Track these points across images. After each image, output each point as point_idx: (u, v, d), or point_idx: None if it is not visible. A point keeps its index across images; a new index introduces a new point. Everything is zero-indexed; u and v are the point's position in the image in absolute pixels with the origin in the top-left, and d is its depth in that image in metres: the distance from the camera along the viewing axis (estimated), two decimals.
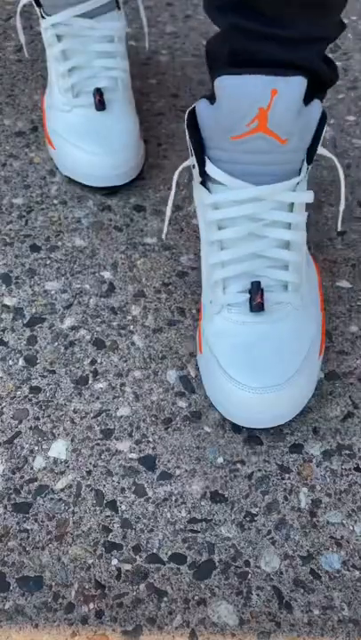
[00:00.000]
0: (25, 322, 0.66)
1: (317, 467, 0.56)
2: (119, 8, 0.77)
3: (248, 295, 0.57)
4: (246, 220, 0.57)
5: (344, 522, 0.53)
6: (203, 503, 0.54)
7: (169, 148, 0.85)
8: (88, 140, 0.75)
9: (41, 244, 0.73)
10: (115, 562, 0.51)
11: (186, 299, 0.68)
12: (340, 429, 0.59)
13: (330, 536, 0.52)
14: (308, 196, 0.58)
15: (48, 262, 0.71)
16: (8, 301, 0.68)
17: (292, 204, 0.57)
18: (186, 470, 0.56)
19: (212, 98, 0.54)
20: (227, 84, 0.51)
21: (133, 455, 0.56)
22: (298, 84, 0.51)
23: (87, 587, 0.50)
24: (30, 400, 0.60)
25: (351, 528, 0.53)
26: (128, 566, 0.51)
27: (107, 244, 0.73)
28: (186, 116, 0.57)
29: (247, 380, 0.55)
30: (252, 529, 0.53)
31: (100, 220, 0.74)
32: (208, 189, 0.57)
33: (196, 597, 0.49)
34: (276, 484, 0.55)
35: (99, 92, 0.75)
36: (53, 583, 0.50)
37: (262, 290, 0.57)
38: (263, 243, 0.57)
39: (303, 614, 0.49)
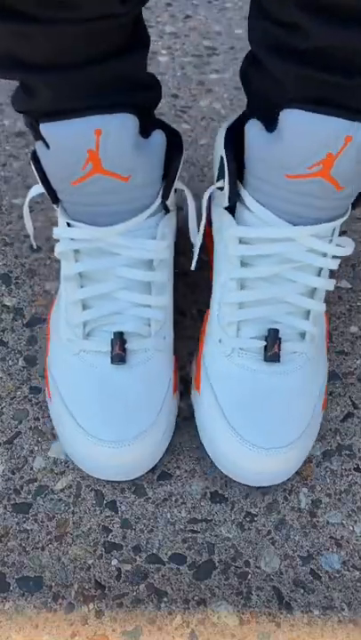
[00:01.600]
0: (25, 322, 0.66)
1: (317, 467, 0.56)
2: (157, 225, 0.55)
3: (264, 343, 0.53)
4: (275, 260, 0.52)
5: (344, 522, 0.53)
6: (203, 503, 0.54)
7: None
8: (93, 410, 0.53)
9: (41, 244, 0.73)
10: (115, 562, 0.51)
11: (186, 299, 0.68)
12: (340, 429, 0.59)
13: (330, 536, 0.52)
14: (346, 249, 0.53)
15: (48, 262, 0.71)
16: (8, 301, 0.68)
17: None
18: (186, 470, 0.56)
19: (268, 124, 0.49)
20: (298, 119, 0.46)
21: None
22: None
23: (87, 587, 0.50)
24: (30, 400, 0.60)
25: (351, 528, 0.53)
26: (128, 566, 0.51)
27: None
28: (226, 131, 0.54)
29: (254, 437, 0.51)
30: (252, 529, 0.53)
31: None
32: (235, 218, 0.53)
33: (196, 597, 0.49)
34: (277, 484, 0.55)
35: (120, 339, 0.54)
36: (53, 583, 0.50)
37: (280, 339, 0.53)
38: (289, 287, 0.53)
39: (303, 614, 0.49)
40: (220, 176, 0.56)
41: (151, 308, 0.55)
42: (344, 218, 0.52)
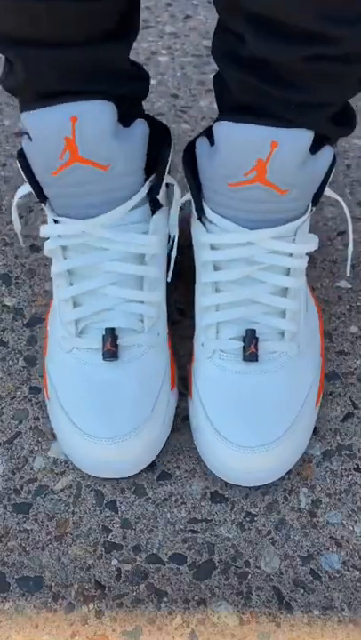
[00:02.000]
0: (25, 322, 0.66)
1: (317, 467, 0.56)
2: (154, 210, 0.55)
3: (242, 343, 0.54)
4: (243, 263, 0.54)
5: (344, 522, 0.53)
6: (203, 503, 0.54)
7: None
8: (86, 408, 0.53)
9: (41, 244, 0.73)
10: (115, 562, 0.51)
11: (186, 299, 0.68)
12: (340, 429, 0.59)
13: (330, 536, 0.52)
14: (309, 246, 0.55)
15: (48, 262, 0.71)
16: (8, 301, 0.68)
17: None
18: (186, 470, 0.56)
19: (211, 137, 0.51)
20: (226, 131, 0.49)
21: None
22: (302, 137, 0.48)
23: (87, 587, 0.50)
24: (30, 400, 0.60)
25: (351, 528, 0.53)
26: (128, 566, 0.51)
27: None
28: (183, 152, 0.55)
29: (235, 438, 0.51)
30: (252, 529, 0.53)
31: None
32: (205, 227, 0.55)
33: (196, 597, 0.49)
34: (276, 485, 0.55)
35: (111, 336, 0.54)
36: (53, 583, 0.50)
37: (257, 339, 0.54)
38: (259, 288, 0.54)
39: (303, 614, 0.49)
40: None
41: (144, 303, 0.55)
42: (304, 217, 0.54)
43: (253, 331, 0.54)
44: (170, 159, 0.56)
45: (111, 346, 0.54)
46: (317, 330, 0.61)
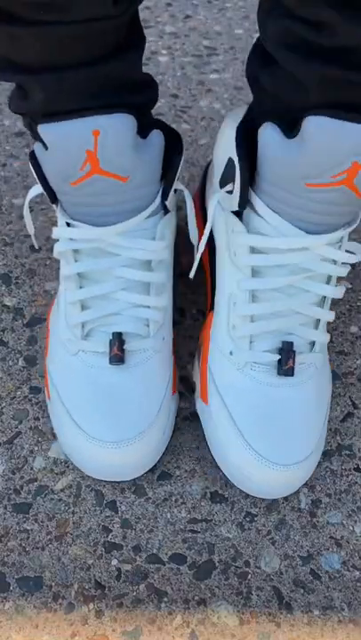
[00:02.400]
0: (25, 322, 0.66)
1: (317, 467, 0.56)
2: (155, 226, 0.55)
3: (277, 356, 0.52)
4: (289, 271, 0.51)
5: (344, 522, 0.53)
6: (203, 503, 0.54)
7: None
8: (91, 411, 0.53)
9: (41, 244, 0.73)
10: (115, 562, 0.51)
11: (186, 299, 0.68)
12: (340, 429, 0.59)
13: (330, 536, 0.52)
14: (358, 255, 0.52)
15: (48, 262, 0.71)
16: (8, 301, 0.68)
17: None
18: (186, 470, 0.56)
19: (287, 129, 0.47)
20: (325, 127, 0.44)
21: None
22: None
23: (87, 587, 0.50)
24: (30, 400, 0.60)
25: (351, 528, 0.53)
26: (128, 566, 0.51)
27: None
28: (236, 132, 0.51)
29: (271, 454, 0.50)
30: (252, 529, 0.53)
31: None
32: (246, 225, 0.52)
33: (196, 597, 0.49)
34: None
35: (118, 340, 0.54)
36: (53, 583, 0.50)
37: (294, 352, 0.52)
38: (303, 298, 0.52)
39: (303, 614, 0.49)
40: (228, 178, 0.54)
41: (150, 308, 0.55)
42: (356, 224, 0.51)
43: (291, 344, 0.52)
44: (180, 165, 0.55)
45: (118, 350, 0.53)
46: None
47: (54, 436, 0.57)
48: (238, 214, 0.53)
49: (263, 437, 0.51)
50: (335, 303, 0.68)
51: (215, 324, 0.57)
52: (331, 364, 0.63)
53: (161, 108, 0.91)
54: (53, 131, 0.47)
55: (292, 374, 0.52)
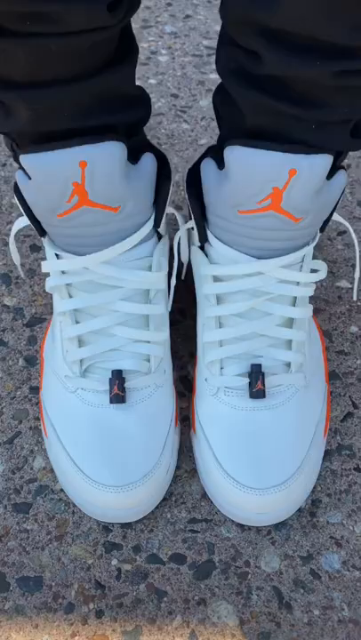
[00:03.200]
0: (25, 322, 0.66)
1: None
2: (159, 239, 0.54)
3: (247, 379, 0.52)
4: (248, 295, 0.52)
5: (344, 522, 0.53)
6: (203, 503, 0.54)
7: (169, 148, 0.85)
8: (92, 452, 0.51)
9: (41, 244, 0.73)
10: (115, 562, 0.51)
11: (186, 299, 0.68)
12: (340, 429, 0.59)
13: (330, 536, 0.52)
14: (319, 274, 0.53)
15: None
16: (8, 301, 0.68)
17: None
18: (186, 470, 0.56)
19: (219, 161, 0.48)
20: (240, 157, 0.45)
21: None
22: (321, 163, 0.45)
23: (87, 587, 0.50)
24: (30, 400, 0.60)
25: (351, 528, 0.53)
26: (128, 566, 0.51)
27: None
28: (187, 174, 0.52)
29: (246, 479, 0.50)
30: (252, 529, 0.53)
31: None
32: (208, 256, 0.53)
33: (196, 597, 0.49)
34: None
35: (118, 378, 0.52)
36: (53, 583, 0.50)
37: (263, 374, 0.52)
38: (266, 320, 0.52)
39: (303, 614, 0.49)
40: (189, 216, 0.55)
41: (150, 343, 0.54)
42: (313, 244, 0.52)
43: (259, 366, 0.52)
44: (170, 191, 0.54)
45: (119, 389, 0.52)
46: (321, 356, 0.59)
47: None
48: (203, 248, 0.54)
49: (238, 464, 0.50)
50: (335, 303, 0.68)
51: (198, 354, 0.57)
52: (331, 363, 0.63)
53: (161, 108, 0.91)
54: (37, 162, 0.44)
55: (264, 396, 0.52)
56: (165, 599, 0.49)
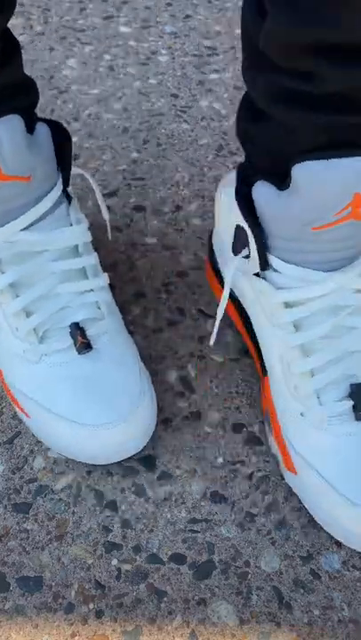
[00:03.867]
0: None
1: None
2: (68, 213, 0.56)
3: (350, 402, 0.50)
4: (327, 313, 0.50)
5: None
6: (203, 503, 0.54)
7: (169, 148, 0.85)
8: (77, 404, 0.53)
9: None
10: (115, 562, 0.51)
11: (186, 299, 0.68)
12: None
13: (330, 536, 0.52)
14: None
15: None
16: None
17: None
18: (186, 470, 0.56)
19: (278, 181, 0.47)
20: (314, 171, 0.44)
21: (133, 455, 0.56)
22: None
23: (87, 587, 0.50)
24: None
25: None
26: (128, 566, 0.51)
27: (106, 244, 0.73)
28: (236, 201, 0.51)
29: None
30: (252, 529, 0.53)
31: (99, 220, 0.75)
32: (271, 282, 0.51)
33: (196, 597, 0.49)
34: (277, 484, 0.55)
35: (79, 329, 0.54)
36: (53, 583, 0.50)
37: None
38: (354, 335, 0.50)
39: (303, 614, 0.49)
40: (238, 244, 0.53)
41: (94, 291, 0.56)
42: None
43: (360, 385, 0.50)
44: (72, 151, 0.56)
45: (83, 338, 0.54)
46: None
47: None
48: (258, 275, 0.52)
49: (359, 488, 0.49)
50: None
51: (274, 390, 0.54)
52: None
53: (161, 108, 0.91)
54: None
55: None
56: (165, 599, 0.49)
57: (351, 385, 0.50)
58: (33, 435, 0.58)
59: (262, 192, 0.48)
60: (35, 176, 0.51)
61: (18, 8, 0.79)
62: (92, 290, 0.56)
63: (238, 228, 0.52)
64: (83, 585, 0.50)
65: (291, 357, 0.52)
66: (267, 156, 0.50)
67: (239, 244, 0.53)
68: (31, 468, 0.56)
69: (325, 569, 0.51)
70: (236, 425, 0.58)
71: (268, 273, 0.51)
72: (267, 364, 0.55)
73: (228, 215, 0.55)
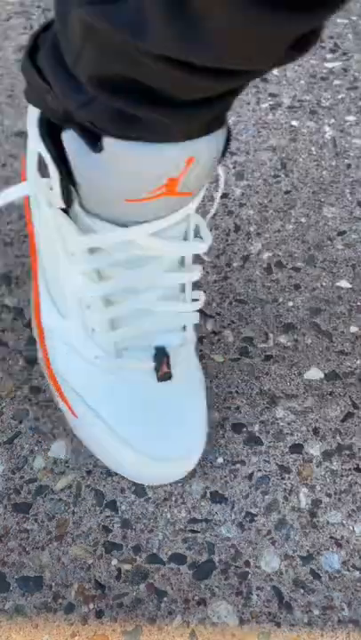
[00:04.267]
0: (25, 322, 0.66)
1: (317, 467, 0.56)
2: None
3: (152, 364, 0.52)
4: (127, 266, 0.48)
5: (344, 522, 0.53)
6: (203, 503, 0.54)
7: None
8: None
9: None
10: (115, 562, 0.51)
11: None
12: (340, 429, 0.59)
13: (330, 536, 0.52)
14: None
15: None
16: (8, 301, 0.68)
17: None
18: (185, 470, 0.56)
19: (89, 140, 0.41)
20: (125, 152, 0.40)
21: None
22: (220, 142, 0.42)
23: (87, 587, 0.50)
24: (30, 400, 0.60)
25: (351, 528, 0.53)
26: (128, 566, 0.51)
27: None
28: (41, 132, 0.45)
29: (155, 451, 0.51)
30: (252, 529, 0.53)
31: None
32: (74, 221, 0.47)
33: (196, 597, 0.49)
34: (276, 484, 0.55)
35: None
36: (53, 583, 0.50)
37: (167, 356, 0.51)
38: (151, 293, 0.50)
39: (303, 614, 0.49)
40: (44, 171, 0.46)
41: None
42: (199, 199, 0.47)
43: (161, 348, 0.51)
44: None
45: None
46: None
47: (54, 435, 0.57)
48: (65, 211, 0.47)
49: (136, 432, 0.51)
50: (335, 303, 0.68)
51: (51, 310, 0.53)
52: (331, 363, 0.63)
53: None
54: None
55: (170, 378, 0.51)
56: (165, 599, 0.49)
57: (155, 347, 0.51)
58: (33, 435, 0.58)
59: (74, 146, 0.42)
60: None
61: (18, 8, 0.79)
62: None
63: (41, 156, 0.46)
64: (83, 585, 0.50)
65: (91, 303, 0.49)
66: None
67: (44, 171, 0.46)
68: (31, 468, 0.56)
69: (325, 569, 0.51)
70: (236, 425, 0.58)
71: (71, 212, 0.46)
72: (47, 286, 0.52)
73: (32, 137, 0.47)
